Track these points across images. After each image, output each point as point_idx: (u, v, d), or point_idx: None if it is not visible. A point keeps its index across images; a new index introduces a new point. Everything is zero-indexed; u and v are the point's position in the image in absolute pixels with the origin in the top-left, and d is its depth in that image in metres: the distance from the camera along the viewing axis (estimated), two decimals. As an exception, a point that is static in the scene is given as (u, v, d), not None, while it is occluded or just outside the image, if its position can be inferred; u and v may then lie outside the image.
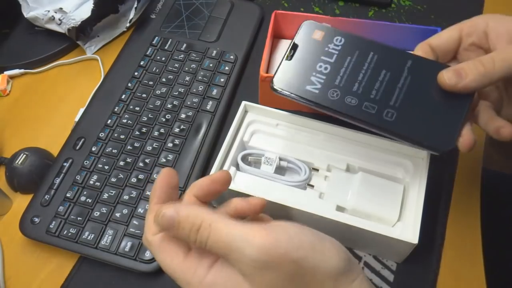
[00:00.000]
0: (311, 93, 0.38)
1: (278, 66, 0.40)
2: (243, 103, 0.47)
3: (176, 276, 0.31)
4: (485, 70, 0.35)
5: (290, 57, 0.40)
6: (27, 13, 0.59)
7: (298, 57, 0.40)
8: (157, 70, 0.55)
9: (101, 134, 0.50)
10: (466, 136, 0.36)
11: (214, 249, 0.29)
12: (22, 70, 0.58)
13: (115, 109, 0.52)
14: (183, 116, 0.51)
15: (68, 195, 0.46)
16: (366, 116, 0.37)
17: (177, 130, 0.50)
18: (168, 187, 0.34)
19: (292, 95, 0.39)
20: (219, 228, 0.29)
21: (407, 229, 0.40)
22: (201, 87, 0.54)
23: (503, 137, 0.35)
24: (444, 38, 0.39)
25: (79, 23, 0.57)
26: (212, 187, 0.34)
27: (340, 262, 0.29)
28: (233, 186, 0.42)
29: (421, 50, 0.39)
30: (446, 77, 0.36)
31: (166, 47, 0.58)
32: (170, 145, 0.49)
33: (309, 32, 0.41)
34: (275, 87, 0.40)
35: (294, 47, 0.41)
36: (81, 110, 0.53)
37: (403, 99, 0.37)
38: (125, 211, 0.45)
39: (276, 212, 0.38)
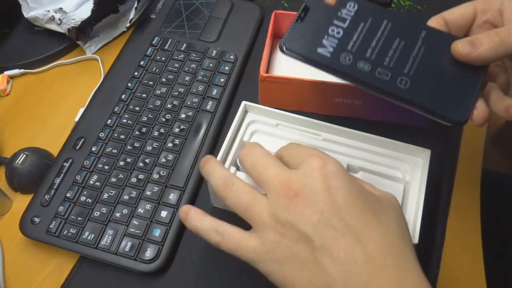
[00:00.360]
0: (323, 56, 0.37)
1: (289, 28, 0.39)
2: (243, 103, 0.47)
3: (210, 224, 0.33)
4: (500, 40, 0.34)
5: (301, 19, 0.39)
6: (27, 13, 0.59)
7: (309, 19, 0.39)
8: (157, 70, 0.55)
9: (101, 134, 0.50)
10: (480, 109, 0.36)
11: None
12: (22, 70, 0.58)
13: (115, 109, 0.52)
14: (183, 116, 0.51)
15: (68, 195, 0.46)
16: (380, 82, 0.37)
17: (177, 130, 0.50)
18: None
19: (303, 57, 0.38)
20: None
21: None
22: (201, 87, 0.54)
23: None
24: (458, 13, 0.39)
25: (79, 23, 0.57)
26: None
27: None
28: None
29: (435, 22, 0.39)
30: (460, 46, 0.36)
31: (166, 47, 0.58)
32: (170, 145, 0.49)
33: None
34: (284, 48, 0.38)
35: (306, 9, 0.39)
36: (81, 110, 0.53)
37: (417, 68, 0.37)
38: (125, 211, 0.45)
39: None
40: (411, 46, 0.38)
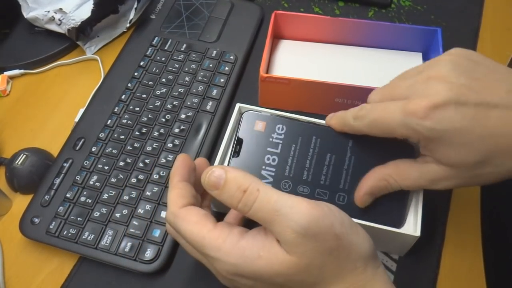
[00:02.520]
0: None
1: (228, 165, 0.42)
2: (237, 105, 0.46)
3: (206, 243, 0.30)
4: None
5: (237, 153, 0.42)
6: (27, 14, 0.59)
7: (245, 152, 0.42)
8: (157, 71, 0.55)
9: (101, 135, 0.50)
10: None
11: (258, 214, 0.29)
12: (22, 71, 0.58)
13: (115, 110, 0.52)
14: (183, 116, 0.51)
15: (68, 195, 0.46)
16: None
17: (177, 130, 0.50)
18: (188, 168, 0.35)
19: None
20: (268, 194, 0.29)
21: (409, 223, 0.40)
22: (201, 88, 0.54)
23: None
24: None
25: (79, 23, 0.57)
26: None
27: (370, 246, 0.30)
28: None
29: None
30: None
31: (166, 48, 0.58)
32: (170, 145, 0.49)
33: (251, 123, 0.42)
34: None
35: (240, 142, 0.42)
36: (81, 111, 0.53)
37: (351, 181, 0.40)
38: (125, 211, 0.45)
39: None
40: (342, 159, 0.41)
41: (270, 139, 0.42)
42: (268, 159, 0.42)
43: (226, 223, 0.32)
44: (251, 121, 0.43)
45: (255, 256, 0.29)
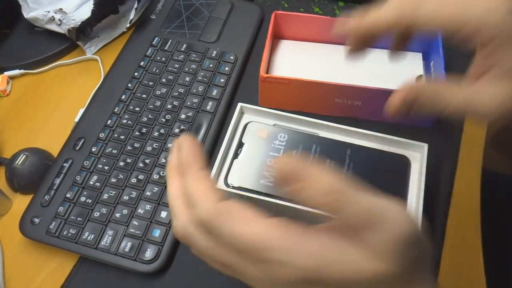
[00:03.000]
0: (266, 186, 0.41)
1: (230, 166, 0.43)
2: (239, 105, 0.47)
3: (266, 243, 0.24)
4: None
5: (238, 155, 0.43)
6: (27, 14, 0.59)
7: (247, 154, 0.43)
8: (157, 71, 0.55)
9: (101, 135, 0.50)
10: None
11: (351, 215, 0.24)
12: (22, 71, 0.58)
13: (115, 110, 0.52)
14: (183, 116, 0.51)
15: (68, 195, 0.46)
16: None
17: (177, 130, 0.50)
18: (201, 154, 0.28)
19: (248, 189, 0.41)
20: (363, 195, 0.24)
21: None
22: (201, 88, 0.54)
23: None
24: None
25: (79, 23, 0.57)
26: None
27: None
28: (232, 189, 0.42)
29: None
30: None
31: (166, 48, 0.58)
32: (170, 145, 0.49)
33: (254, 131, 0.45)
34: (230, 185, 0.42)
35: (241, 145, 0.44)
36: (81, 111, 0.53)
37: None
38: (125, 211, 0.45)
39: (277, 211, 0.39)
40: (341, 165, 0.42)
41: (272, 145, 0.43)
42: (270, 161, 0.42)
43: (282, 218, 0.25)
44: (254, 129, 0.45)
45: (333, 259, 0.24)
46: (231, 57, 0.57)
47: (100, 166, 0.48)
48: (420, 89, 0.32)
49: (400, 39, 0.36)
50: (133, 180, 0.47)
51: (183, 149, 0.28)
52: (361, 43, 0.34)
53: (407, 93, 0.32)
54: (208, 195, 0.26)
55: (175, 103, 0.53)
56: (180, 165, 0.28)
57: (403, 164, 0.43)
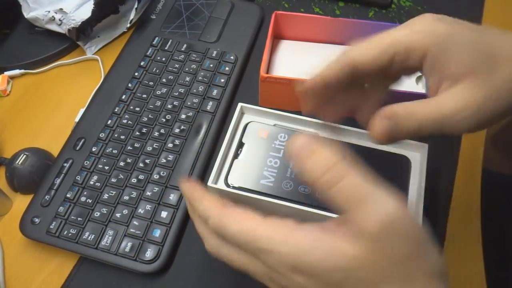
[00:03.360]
0: (266, 186, 0.41)
1: (230, 166, 0.43)
2: (239, 104, 0.47)
3: (257, 235, 0.26)
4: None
5: (238, 155, 0.43)
6: (28, 14, 0.59)
7: (247, 154, 0.43)
8: (157, 71, 0.56)
9: (101, 135, 0.50)
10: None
11: (342, 193, 0.25)
12: (22, 71, 0.58)
13: (115, 110, 0.52)
14: (183, 116, 0.51)
15: (68, 195, 0.46)
16: (318, 202, 0.40)
17: (177, 130, 0.50)
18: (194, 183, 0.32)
19: (248, 189, 0.41)
20: (357, 175, 0.25)
21: None
22: (201, 88, 0.54)
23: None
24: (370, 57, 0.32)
25: (79, 23, 0.57)
26: None
27: (445, 266, 0.27)
28: (232, 189, 0.42)
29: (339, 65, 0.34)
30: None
31: (166, 48, 0.58)
32: (170, 145, 0.49)
33: (254, 131, 0.44)
34: (230, 185, 0.42)
35: (241, 145, 0.43)
36: (81, 111, 0.53)
37: None
38: (125, 211, 0.45)
39: (276, 211, 0.39)
40: None
41: (273, 145, 0.43)
42: (270, 161, 0.43)
43: (275, 216, 0.28)
44: (255, 129, 0.44)
45: (313, 246, 0.25)
46: (231, 57, 0.57)
47: (100, 166, 0.48)
48: (394, 116, 0.31)
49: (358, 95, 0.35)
50: (133, 180, 0.47)
51: (186, 194, 0.32)
52: (320, 100, 0.35)
53: (386, 123, 0.31)
54: (211, 206, 0.29)
55: (175, 103, 0.53)
56: (189, 203, 0.32)
57: (403, 164, 0.43)
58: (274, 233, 0.26)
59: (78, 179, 0.47)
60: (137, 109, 0.52)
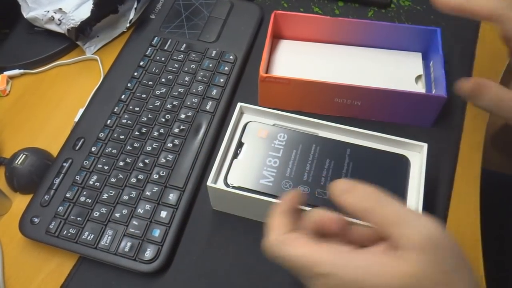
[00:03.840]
0: (266, 186, 0.42)
1: (229, 166, 0.43)
2: (239, 104, 0.47)
3: (316, 260, 0.29)
4: None
5: (238, 155, 0.44)
6: (27, 14, 0.59)
7: (247, 154, 0.44)
8: (157, 71, 0.55)
9: (101, 135, 0.50)
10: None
11: (387, 215, 0.28)
12: (21, 70, 0.58)
13: (115, 109, 0.52)
14: (182, 116, 0.51)
15: (67, 195, 0.46)
16: (320, 201, 0.41)
17: (176, 130, 0.50)
18: (296, 205, 0.34)
19: (248, 189, 0.42)
20: (395, 202, 0.29)
21: None
22: (200, 87, 0.54)
23: None
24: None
25: (78, 23, 0.57)
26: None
27: (477, 278, 0.29)
28: (232, 189, 0.42)
29: None
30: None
31: (165, 48, 0.58)
32: (169, 145, 0.49)
33: (254, 131, 0.45)
34: (229, 184, 0.42)
35: (241, 145, 0.44)
36: (81, 110, 0.53)
37: None
38: (124, 211, 0.45)
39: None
40: (341, 164, 0.43)
41: (272, 145, 0.44)
42: (270, 161, 0.43)
43: (331, 241, 0.30)
44: (254, 129, 0.45)
45: (370, 271, 0.28)
46: (231, 57, 0.57)
47: (99, 166, 0.48)
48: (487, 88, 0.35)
49: None
50: (133, 180, 0.47)
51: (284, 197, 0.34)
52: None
53: (479, 82, 0.35)
54: (274, 229, 0.31)
55: (175, 103, 0.53)
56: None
57: (402, 163, 0.43)
58: (330, 258, 0.28)
59: (78, 179, 0.47)
60: (137, 109, 0.52)
